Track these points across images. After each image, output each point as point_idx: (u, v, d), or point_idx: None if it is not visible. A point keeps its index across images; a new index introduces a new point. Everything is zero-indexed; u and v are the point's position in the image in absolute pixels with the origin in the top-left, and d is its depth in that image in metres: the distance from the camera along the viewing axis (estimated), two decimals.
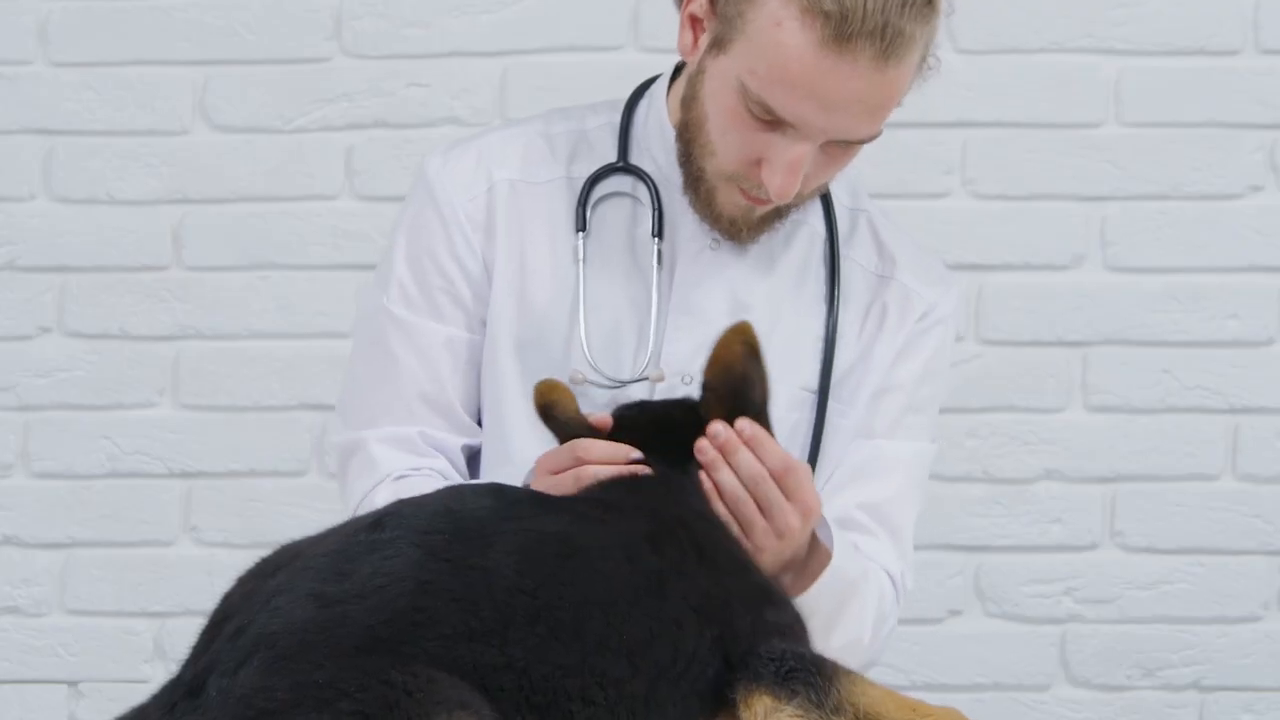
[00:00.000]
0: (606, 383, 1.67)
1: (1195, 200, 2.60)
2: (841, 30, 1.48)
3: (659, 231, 1.69)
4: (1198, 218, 2.60)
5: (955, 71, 2.57)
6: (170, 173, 2.64)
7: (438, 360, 1.71)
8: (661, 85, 1.77)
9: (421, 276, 1.72)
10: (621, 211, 1.72)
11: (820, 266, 1.75)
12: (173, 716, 1.13)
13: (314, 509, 2.62)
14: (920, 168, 2.59)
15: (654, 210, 1.70)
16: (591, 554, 1.23)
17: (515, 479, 1.61)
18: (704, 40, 1.61)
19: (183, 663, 1.20)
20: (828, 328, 1.72)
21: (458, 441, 1.73)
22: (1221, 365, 2.60)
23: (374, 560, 1.16)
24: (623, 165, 1.72)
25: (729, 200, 1.65)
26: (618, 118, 1.76)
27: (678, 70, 1.76)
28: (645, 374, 1.67)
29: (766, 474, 1.46)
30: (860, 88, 1.51)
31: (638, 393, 1.67)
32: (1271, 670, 2.61)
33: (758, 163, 1.59)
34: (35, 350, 2.65)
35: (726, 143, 1.60)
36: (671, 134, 1.71)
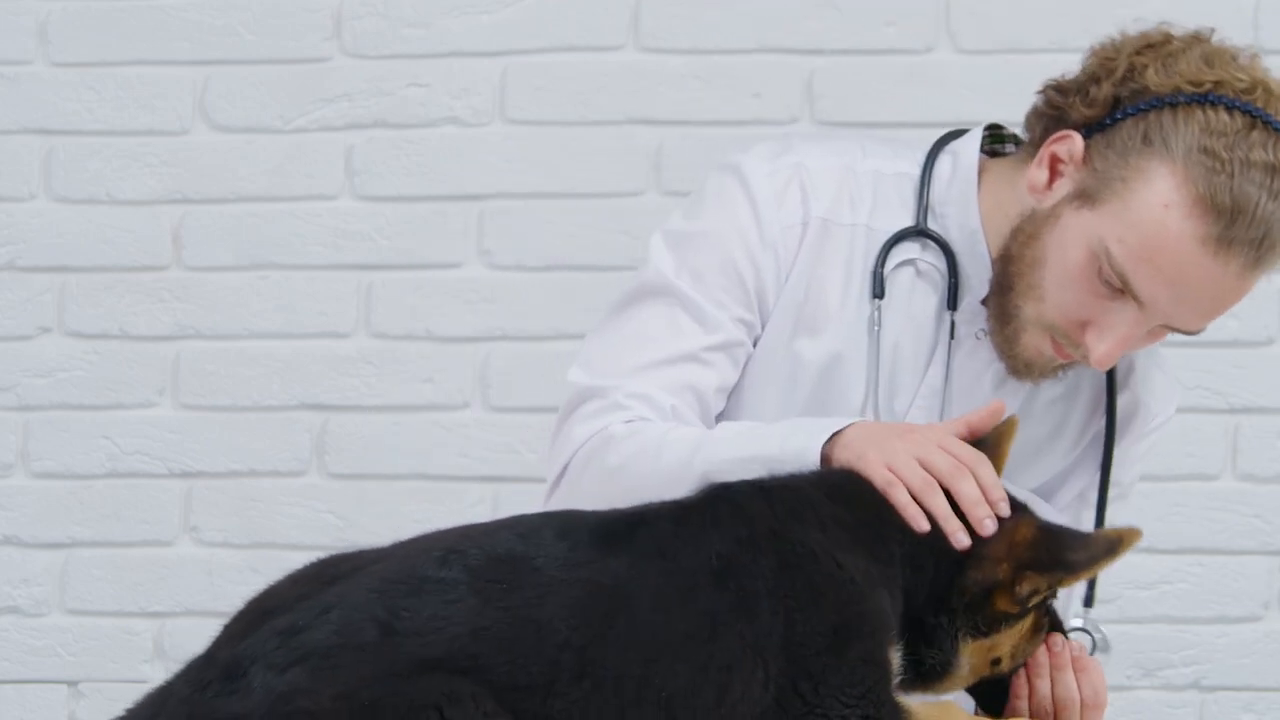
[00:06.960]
0: None
1: None
2: (1226, 233, 1.49)
3: (953, 304, 1.66)
4: None
5: (955, 71, 2.57)
6: (170, 173, 2.64)
7: (715, 361, 1.64)
8: (969, 148, 1.69)
9: (718, 278, 1.65)
10: (906, 274, 1.68)
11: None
12: (206, 694, 1.14)
13: (314, 509, 2.62)
14: None
15: (950, 284, 1.66)
16: (642, 605, 1.27)
17: None
18: (1062, 185, 1.58)
19: (212, 642, 1.21)
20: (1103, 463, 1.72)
21: None
22: (1221, 365, 2.60)
23: (435, 603, 1.22)
24: (921, 230, 1.67)
25: (1034, 345, 1.61)
26: (916, 171, 1.69)
27: (996, 138, 1.71)
28: None
29: (1078, 702, 1.47)
30: (1221, 290, 1.53)
31: None
32: (1271, 670, 2.61)
33: (1084, 324, 1.57)
34: (35, 350, 2.65)
35: (1062, 297, 1.57)
36: (974, 213, 1.65)
